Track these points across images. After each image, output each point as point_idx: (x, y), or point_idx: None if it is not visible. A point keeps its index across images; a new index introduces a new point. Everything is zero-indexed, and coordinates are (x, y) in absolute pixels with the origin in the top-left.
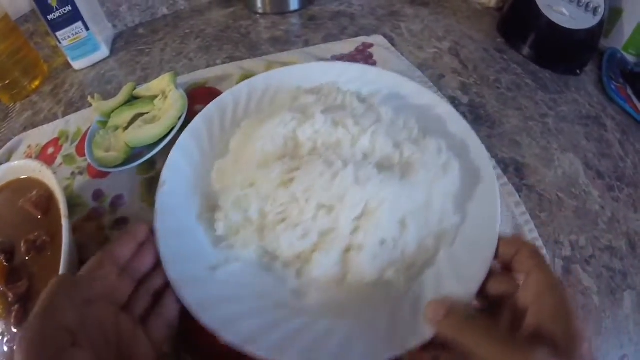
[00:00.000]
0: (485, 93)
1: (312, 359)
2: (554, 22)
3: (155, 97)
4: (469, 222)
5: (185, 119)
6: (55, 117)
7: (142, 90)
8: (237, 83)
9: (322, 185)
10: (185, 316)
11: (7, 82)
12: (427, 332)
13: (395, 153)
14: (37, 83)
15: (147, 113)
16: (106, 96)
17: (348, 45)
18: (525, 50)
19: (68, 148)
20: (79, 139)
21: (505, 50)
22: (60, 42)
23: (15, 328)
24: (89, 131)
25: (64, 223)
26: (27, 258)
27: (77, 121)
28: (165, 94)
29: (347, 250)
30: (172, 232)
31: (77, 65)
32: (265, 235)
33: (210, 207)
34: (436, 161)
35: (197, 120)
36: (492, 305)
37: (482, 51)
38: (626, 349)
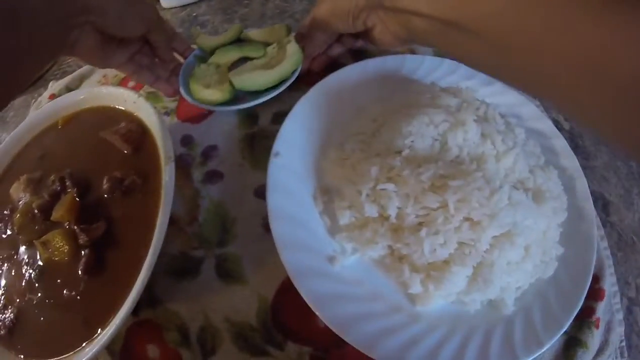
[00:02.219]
0: None
1: None
2: None
3: (267, 44)
4: (569, 253)
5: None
6: None
7: (252, 34)
8: None
9: (478, 199)
10: (280, 294)
11: None
12: (535, 350)
13: (530, 178)
14: None
15: (255, 59)
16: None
17: None
18: None
19: None
20: None
21: None
22: None
23: (81, 274)
24: (184, 64)
25: (169, 167)
26: (105, 196)
27: None
28: (282, 44)
29: (478, 266)
30: (286, 214)
31: (165, 2)
32: (400, 236)
33: (324, 190)
34: (555, 190)
35: (314, 91)
36: None
37: None
38: None
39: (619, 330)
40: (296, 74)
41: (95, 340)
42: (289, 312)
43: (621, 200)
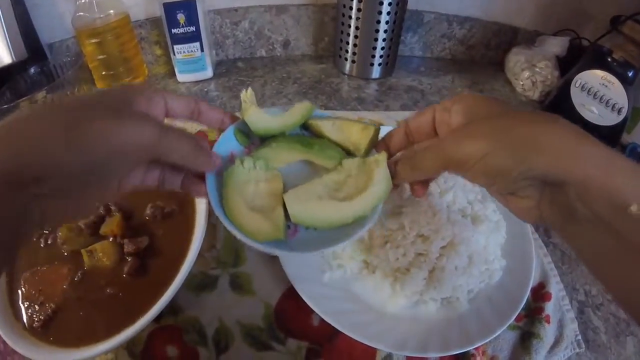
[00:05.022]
0: None
1: (401, 346)
2: (585, 118)
3: (342, 147)
4: (511, 264)
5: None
6: None
7: (324, 123)
8: None
9: (425, 219)
10: (282, 302)
11: (111, 73)
12: (487, 336)
13: (468, 207)
14: (137, 82)
15: (324, 169)
16: None
17: None
18: None
19: None
20: None
21: None
22: (174, 54)
23: (126, 276)
24: (220, 141)
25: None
26: (147, 219)
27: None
28: (362, 155)
29: (432, 270)
30: None
31: (181, 77)
32: (372, 251)
33: None
34: (493, 218)
35: None
36: None
37: None
38: None
39: (572, 327)
40: (376, 214)
41: (123, 333)
42: (288, 315)
43: None
